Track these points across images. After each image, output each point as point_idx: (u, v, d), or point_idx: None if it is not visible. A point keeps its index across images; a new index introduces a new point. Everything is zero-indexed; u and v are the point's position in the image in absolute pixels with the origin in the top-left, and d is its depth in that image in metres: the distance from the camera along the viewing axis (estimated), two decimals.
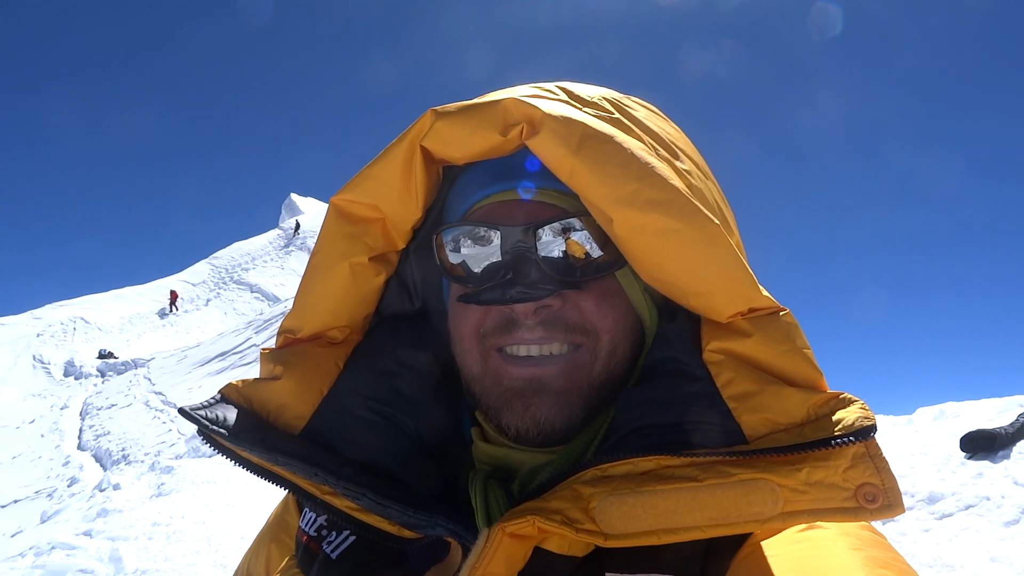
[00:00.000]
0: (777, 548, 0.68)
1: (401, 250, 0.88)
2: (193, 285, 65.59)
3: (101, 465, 17.53)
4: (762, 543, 0.69)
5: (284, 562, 0.88)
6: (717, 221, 0.71)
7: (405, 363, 0.88)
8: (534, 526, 0.66)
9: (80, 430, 22.55)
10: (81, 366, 36.99)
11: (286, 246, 69.63)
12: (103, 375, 34.83)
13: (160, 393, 26.13)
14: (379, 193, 0.81)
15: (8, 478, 17.41)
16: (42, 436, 22.48)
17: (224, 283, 63.69)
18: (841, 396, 0.66)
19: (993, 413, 7.40)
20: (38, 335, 48.31)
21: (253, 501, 8.75)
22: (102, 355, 39.33)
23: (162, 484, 10.41)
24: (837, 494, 0.61)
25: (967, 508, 5.19)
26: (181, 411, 0.77)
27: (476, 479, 0.79)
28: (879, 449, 0.63)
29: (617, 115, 0.80)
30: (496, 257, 0.80)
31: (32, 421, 25.21)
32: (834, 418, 0.64)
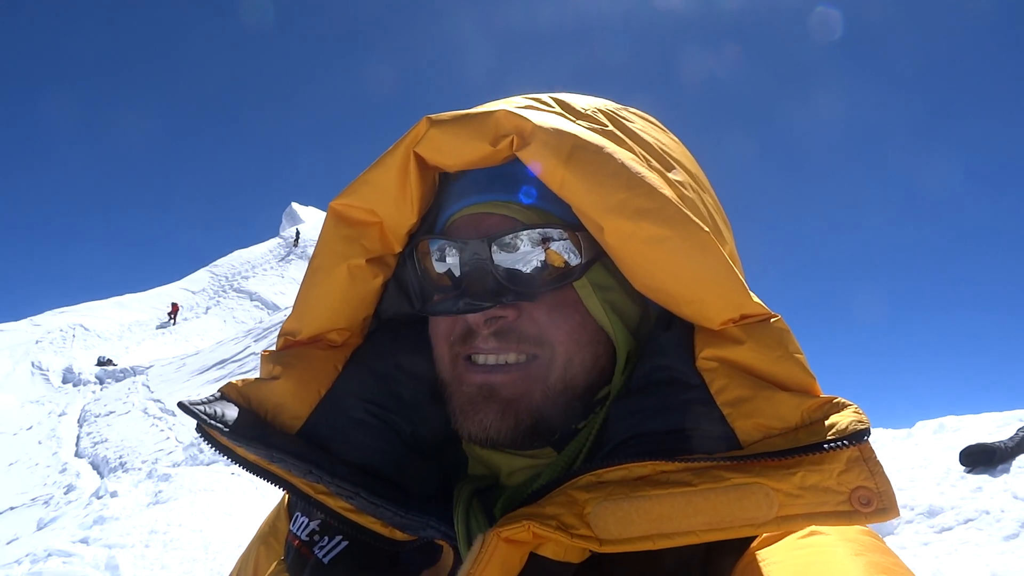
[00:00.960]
0: (778, 555, 0.68)
1: (399, 254, 0.89)
2: (193, 293, 65.54)
3: (98, 472, 17.44)
4: (763, 550, 0.69)
5: (272, 566, 0.88)
6: (707, 229, 0.72)
7: (404, 367, 0.89)
8: (529, 531, 0.66)
9: (78, 437, 22.46)
10: (80, 373, 36.87)
11: (286, 255, 69.63)
12: (102, 382, 34.72)
13: (158, 401, 26.04)
14: (375, 198, 0.83)
15: (5, 485, 17.32)
16: (39, 443, 22.38)
17: (224, 291, 63.66)
18: (835, 400, 0.66)
19: (993, 427, 7.39)
20: (37, 342, 48.23)
21: (250, 509, 8.72)
22: (101, 362, 39.18)
23: (159, 492, 10.36)
24: (832, 498, 0.61)
25: (967, 522, 5.17)
26: (181, 405, 0.78)
27: (460, 499, 0.79)
28: (873, 452, 0.63)
29: (610, 127, 0.82)
30: (457, 269, 0.82)
31: (30, 428, 25.11)
32: (828, 422, 0.64)
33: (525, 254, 0.79)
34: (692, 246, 0.71)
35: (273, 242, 77.79)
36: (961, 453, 6.13)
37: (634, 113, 0.89)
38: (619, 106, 0.89)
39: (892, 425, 8.99)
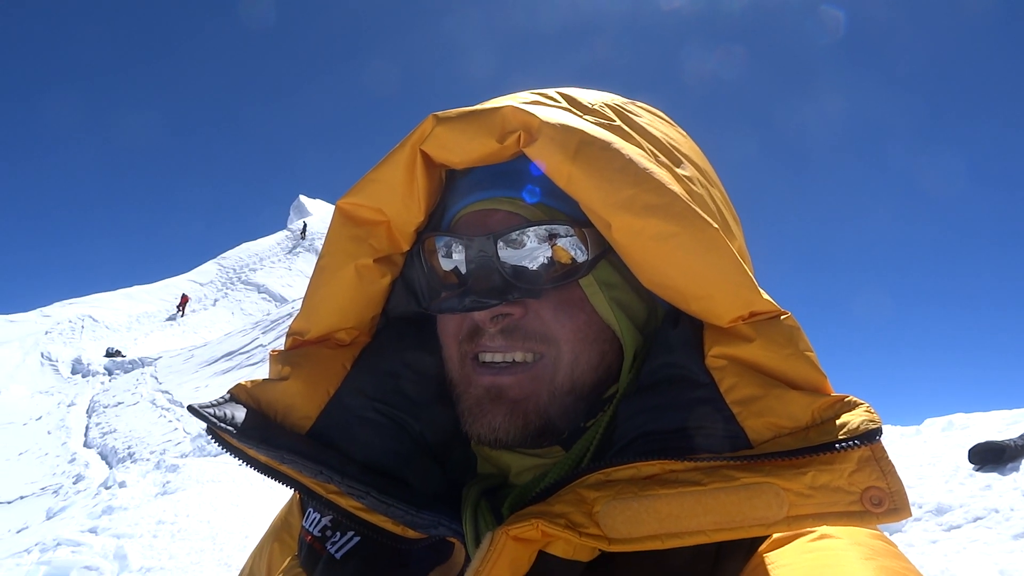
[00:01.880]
0: (788, 558, 0.67)
1: (406, 252, 0.89)
2: (201, 285, 65.84)
3: (107, 463, 17.59)
4: (772, 553, 0.68)
5: (286, 562, 0.89)
6: (716, 225, 0.71)
7: (411, 365, 0.89)
8: (538, 529, 0.66)
9: (87, 428, 22.65)
10: (88, 364, 37.16)
11: (294, 248, 69.82)
12: (110, 373, 35.00)
13: (167, 392, 26.22)
14: (382, 196, 0.83)
15: (14, 474, 17.49)
16: (49, 433, 22.59)
17: (232, 283, 63.93)
18: (846, 399, 0.65)
19: (1002, 425, 7.37)
20: (46, 333, 48.62)
21: (258, 500, 8.78)
22: (109, 353, 39.46)
23: (167, 482, 10.44)
24: (842, 498, 0.60)
25: (975, 520, 5.16)
26: (190, 408, 0.77)
27: (468, 499, 0.79)
28: (885, 452, 0.62)
29: (618, 122, 0.81)
30: (463, 266, 0.81)
31: (39, 418, 25.34)
32: (839, 421, 0.63)
33: (531, 251, 0.79)
34: (701, 242, 0.70)
35: (281, 235, 78.03)
36: (970, 451, 6.11)
37: (642, 107, 0.88)
38: (626, 100, 0.88)
39: (901, 422, 8.98)
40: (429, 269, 0.86)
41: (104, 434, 20.87)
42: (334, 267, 0.85)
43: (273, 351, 0.87)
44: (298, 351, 0.86)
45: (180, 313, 56.07)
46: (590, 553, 0.69)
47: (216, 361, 30.96)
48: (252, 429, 0.78)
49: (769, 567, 0.67)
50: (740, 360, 0.70)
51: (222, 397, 0.81)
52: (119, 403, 25.71)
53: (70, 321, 52.47)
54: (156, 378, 30.32)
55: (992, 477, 5.73)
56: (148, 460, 15.22)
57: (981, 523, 5.10)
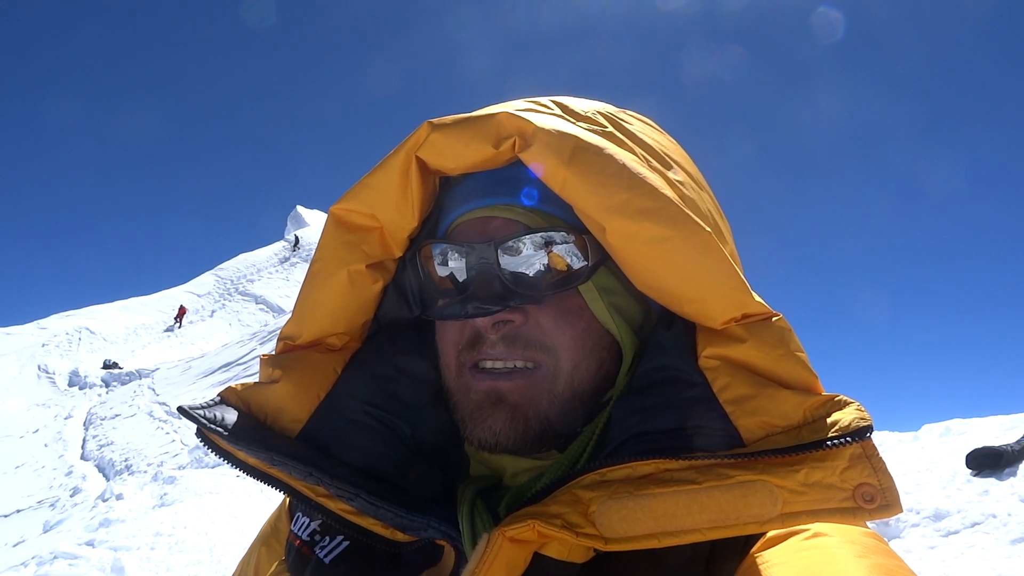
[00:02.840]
0: (782, 556, 0.68)
1: (399, 258, 0.90)
2: (198, 296, 65.62)
3: (104, 475, 17.49)
4: (766, 552, 0.69)
5: (273, 567, 0.89)
6: (708, 229, 0.72)
7: (403, 369, 0.89)
8: (534, 530, 0.67)
9: (84, 440, 22.51)
10: (85, 376, 36.93)
11: (287, 259, 69.64)
12: (107, 385, 34.79)
13: (164, 404, 26.09)
14: (376, 202, 0.84)
15: (11, 488, 17.37)
16: (45, 446, 22.45)
17: (229, 294, 63.70)
18: (837, 398, 0.67)
19: (1000, 430, 7.35)
20: (43, 345, 48.37)
21: (255, 512, 8.73)
22: (106, 365, 39.25)
23: (165, 494, 10.38)
24: (835, 494, 0.62)
25: (973, 526, 5.15)
26: (180, 409, 0.79)
27: (464, 499, 0.79)
28: (876, 449, 0.63)
29: (610, 128, 0.82)
30: (464, 273, 0.82)
31: (36, 431, 25.19)
32: (830, 419, 0.65)
33: (531, 257, 0.80)
34: (694, 246, 0.71)
35: (278, 245, 77.87)
36: (968, 456, 6.10)
37: (632, 115, 0.90)
38: (617, 109, 0.90)
39: (898, 428, 8.97)
40: (426, 276, 0.87)
41: (101, 446, 20.75)
42: (326, 272, 0.85)
43: (264, 355, 0.87)
44: (289, 355, 0.87)
45: (177, 324, 55.83)
46: (585, 554, 0.69)
47: (214, 372, 30.83)
48: (242, 431, 0.78)
49: (763, 566, 0.68)
50: (733, 360, 0.72)
51: (212, 399, 0.82)
52: (116, 415, 25.57)
53: (67, 333, 52.23)
54: (153, 390, 30.17)
55: (990, 482, 5.72)
56: (145, 472, 15.13)
57: (979, 528, 5.09)
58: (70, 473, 18.04)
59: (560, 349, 0.80)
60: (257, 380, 0.86)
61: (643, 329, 0.85)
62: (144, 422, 23.30)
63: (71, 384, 36.60)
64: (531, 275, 0.80)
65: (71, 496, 15.11)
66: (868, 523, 0.71)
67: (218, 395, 0.83)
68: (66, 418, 26.90)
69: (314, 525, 0.84)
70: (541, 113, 0.80)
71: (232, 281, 67.86)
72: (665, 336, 0.79)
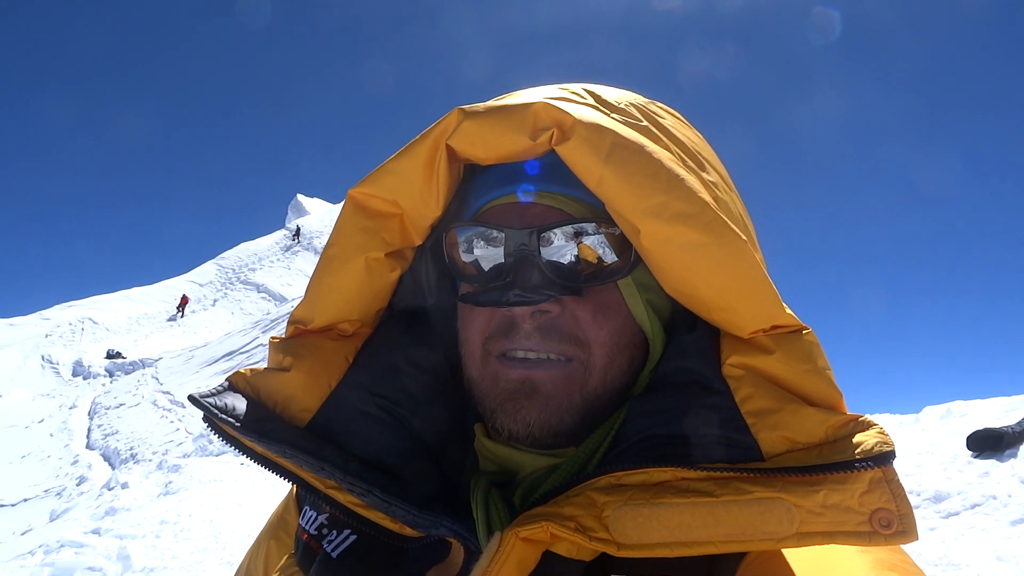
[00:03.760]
0: (787, 551, 0.68)
1: (416, 246, 0.87)
2: (200, 285, 65.68)
3: (109, 464, 17.60)
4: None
5: (283, 560, 0.88)
6: (744, 237, 0.70)
7: (414, 361, 0.87)
8: (547, 532, 0.66)
9: (88, 429, 22.64)
10: (89, 366, 37.09)
11: (288, 248, 69.59)
12: (111, 375, 34.95)
13: (168, 392, 26.21)
14: (399, 188, 0.80)
15: (17, 477, 17.50)
16: (51, 435, 22.58)
17: (231, 283, 63.76)
18: (860, 419, 0.65)
19: (1000, 412, 7.37)
20: (47, 335, 48.48)
21: (260, 500, 8.79)
22: (110, 355, 39.36)
23: (170, 483, 10.44)
24: (852, 518, 0.61)
25: (973, 507, 5.17)
26: (190, 398, 0.77)
27: (477, 488, 0.78)
28: (896, 475, 0.62)
29: (645, 123, 0.79)
30: (500, 259, 0.79)
31: (41, 421, 25.32)
32: (853, 441, 0.63)
33: (573, 248, 0.77)
34: (729, 254, 0.69)
35: (279, 234, 77.78)
36: (968, 438, 6.11)
37: (662, 108, 0.86)
38: (647, 100, 0.86)
39: (899, 410, 9.00)
40: (451, 261, 0.84)
41: (106, 435, 20.87)
42: (343, 258, 0.83)
43: (273, 338, 0.85)
44: (300, 340, 0.85)
45: (180, 314, 55.95)
46: (592, 552, 0.69)
47: (216, 361, 30.92)
48: (252, 422, 0.77)
49: (768, 560, 0.68)
50: (758, 371, 0.70)
51: (221, 386, 0.80)
52: (120, 404, 25.70)
53: (70, 324, 52.35)
54: (157, 379, 30.28)
55: (990, 464, 5.73)
56: (150, 461, 15.24)
57: (979, 510, 5.11)
58: (76, 462, 18.16)
59: (595, 345, 0.78)
60: (267, 366, 0.84)
61: (670, 328, 0.84)
62: (148, 411, 23.41)
63: (75, 374, 36.78)
64: (573, 266, 0.77)
65: (77, 485, 15.22)
66: None
67: (227, 380, 0.81)
68: (71, 408, 27.04)
69: (321, 519, 0.83)
70: (576, 103, 0.77)
71: (234, 270, 67.90)
72: (688, 339, 0.77)
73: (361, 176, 0.83)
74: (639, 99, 0.85)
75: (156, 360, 35.59)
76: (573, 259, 0.77)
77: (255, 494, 9.19)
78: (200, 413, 0.77)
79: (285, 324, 0.88)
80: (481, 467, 0.85)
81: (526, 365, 0.77)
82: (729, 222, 0.70)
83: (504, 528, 0.69)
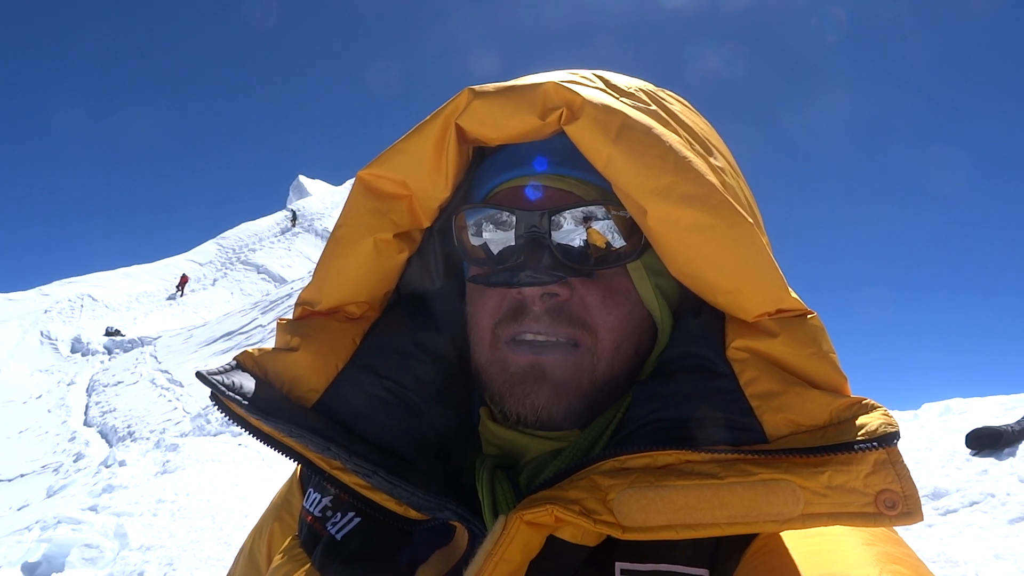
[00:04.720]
0: (790, 542, 0.68)
1: (425, 228, 0.87)
2: (200, 265, 65.74)
3: (107, 441, 17.68)
4: (774, 536, 0.69)
5: (287, 542, 0.88)
6: (751, 220, 0.70)
7: (422, 344, 0.87)
8: (551, 515, 0.66)
9: (86, 406, 22.73)
10: (88, 343, 37.20)
11: (288, 229, 69.61)
12: (110, 352, 35.05)
13: (166, 371, 26.28)
14: (409, 169, 0.81)
15: (15, 453, 17.58)
16: (49, 411, 22.67)
17: (231, 263, 63.84)
18: (864, 401, 0.66)
19: (1000, 410, 7.38)
20: (46, 311, 48.60)
21: (258, 480, 8.82)
22: (109, 332, 39.45)
23: (167, 461, 10.47)
24: (857, 499, 0.61)
25: (972, 505, 5.18)
26: (198, 375, 0.77)
27: (483, 469, 0.78)
28: (900, 456, 0.62)
29: (654, 107, 0.79)
30: (510, 241, 0.79)
31: (39, 396, 25.43)
32: (857, 423, 0.64)
33: (584, 230, 0.78)
34: (735, 237, 0.70)
35: (280, 215, 77.77)
36: (967, 436, 6.12)
37: (671, 95, 0.87)
38: (657, 87, 0.87)
39: (898, 407, 9.01)
40: (460, 243, 0.84)
41: (104, 413, 20.95)
42: (352, 239, 0.83)
43: (281, 319, 0.85)
44: (308, 321, 0.85)
45: (179, 293, 56.06)
46: (597, 537, 0.69)
47: (215, 341, 30.98)
48: (260, 401, 0.77)
49: (772, 550, 0.68)
50: (762, 354, 0.70)
51: (228, 364, 0.80)
52: (119, 382, 25.79)
53: (69, 300, 52.44)
54: (156, 357, 30.35)
55: (989, 462, 5.74)
56: (148, 439, 15.26)
57: (977, 507, 5.13)
58: (73, 439, 18.24)
59: (603, 330, 0.78)
60: (274, 346, 0.84)
61: (677, 313, 0.84)
62: (146, 389, 23.49)
63: (74, 351, 36.89)
64: (583, 249, 0.78)
65: (74, 462, 15.29)
66: None
67: (234, 359, 0.81)
68: (69, 384, 27.14)
69: (326, 501, 0.84)
70: (586, 86, 0.77)
71: (234, 250, 67.95)
72: (693, 323, 0.78)
73: (364, 158, 0.84)
74: (649, 86, 0.86)
75: (155, 338, 35.67)
76: (583, 242, 0.78)
77: (253, 474, 9.22)
78: (202, 391, 0.78)
79: (284, 305, 0.87)
80: (485, 451, 0.86)
81: (535, 350, 0.78)
82: (736, 205, 0.70)
83: (510, 509, 0.69)
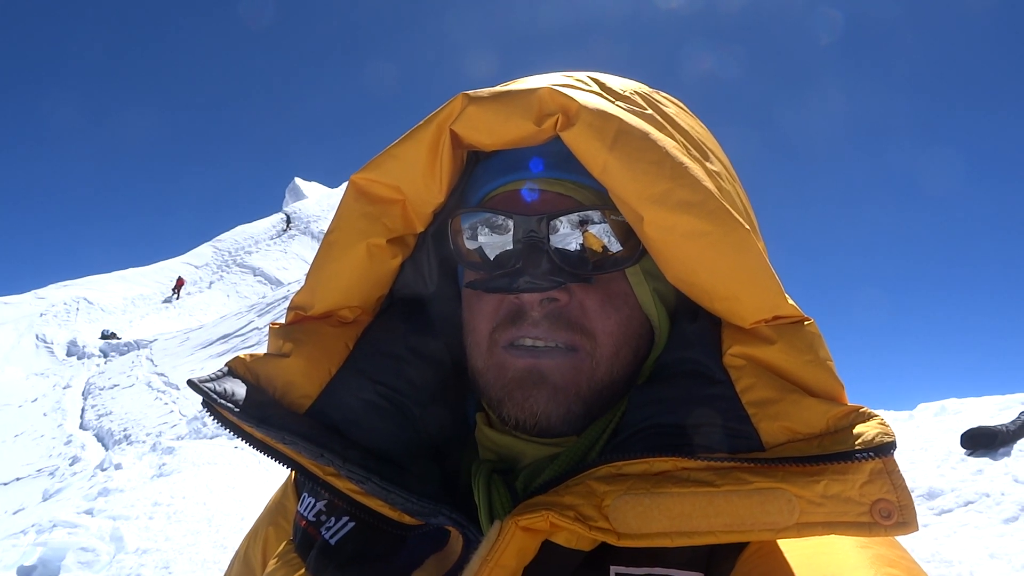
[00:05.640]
0: (785, 545, 0.68)
1: (419, 233, 0.87)
2: (196, 268, 65.53)
3: (103, 445, 17.58)
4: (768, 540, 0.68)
5: (281, 546, 0.88)
6: (747, 226, 0.70)
7: (415, 349, 0.87)
8: (547, 521, 0.66)
9: (82, 410, 22.61)
10: (84, 346, 37.02)
11: (284, 231, 69.43)
12: (106, 355, 34.88)
13: (162, 374, 26.17)
14: (402, 174, 0.80)
15: (10, 456, 17.49)
16: (44, 415, 22.56)
17: (227, 266, 63.63)
18: (861, 410, 0.65)
19: (994, 410, 7.39)
20: (41, 315, 48.36)
21: (253, 483, 8.79)
22: (105, 335, 39.32)
23: (163, 464, 10.43)
24: (853, 508, 0.61)
25: (966, 504, 5.18)
26: (190, 383, 0.76)
27: (479, 474, 0.78)
28: (896, 466, 0.62)
29: (650, 111, 0.79)
30: (508, 246, 0.79)
31: (34, 400, 25.30)
32: (854, 432, 0.63)
33: (581, 235, 0.77)
34: (732, 243, 0.70)
35: (276, 217, 77.56)
36: (962, 436, 6.12)
37: (666, 97, 0.86)
38: (651, 89, 0.86)
39: (893, 407, 9.01)
40: (455, 248, 0.84)
41: (100, 416, 20.85)
42: (344, 244, 0.83)
43: (273, 324, 0.85)
44: (300, 326, 0.84)
45: (175, 295, 55.86)
46: (592, 542, 0.69)
47: (212, 344, 30.86)
48: (252, 407, 0.76)
49: (767, 554, 0.68)
50: (759, 361, 0.70)
51: (220, 371, 0.80)
52: (115, 385, 25.65)
53: (65, 303, 52.21)
54: (152, 360, 30.21)
55: (984, 462, 5.75)
56: (144, 442, 15.21)
57: (972, 507, 5.13)
58: (69, 442, 18.14)
59: (601, 335, 0.78)
60: (266, 351, 0.84)
61: (673, 318, 0.84)
62: (143, 392, 23.39)
63: (69, 354, 36.71)
64: (582, 254, 0.77)
65: (70, 465, 15.20)
66: None
67: (226, 365, 0.81)
68: (64, 388, 26.99)
69: (320, 505, 0.84)
70: (581, 90, 0.77)
71: (230, 253, 67.74)
72: (689, 329, 0.77)
73: (360, 160, 0.83)
74: (643, 88, 0.85)
75: (151, 342, 35.53)
76: (581, 246, 0.77)
77: (248, 477, 9.19)
78: (196, 396, 0.76)
79: (280, 308, 0.87)
80: (481, 456, 0.85)
81: (533, 354, 0.77)
82: (733, 211, 0.70)
83: (506, 514, 0.69)
